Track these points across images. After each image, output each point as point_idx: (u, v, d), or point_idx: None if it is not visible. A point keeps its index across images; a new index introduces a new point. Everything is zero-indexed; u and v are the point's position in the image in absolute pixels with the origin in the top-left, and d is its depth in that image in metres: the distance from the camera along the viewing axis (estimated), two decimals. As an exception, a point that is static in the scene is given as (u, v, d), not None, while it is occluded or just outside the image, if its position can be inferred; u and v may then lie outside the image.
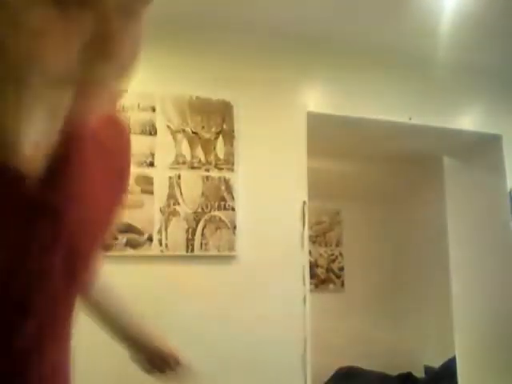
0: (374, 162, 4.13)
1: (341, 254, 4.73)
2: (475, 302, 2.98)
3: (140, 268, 2.08)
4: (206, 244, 2.16)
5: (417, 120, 2.65)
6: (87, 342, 1.96)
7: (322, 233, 4.71)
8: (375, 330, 4.63)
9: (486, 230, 2.93)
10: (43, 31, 0.37)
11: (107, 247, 2.02)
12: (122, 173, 0.62)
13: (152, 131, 2.18)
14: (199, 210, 2.18)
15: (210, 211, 2.20)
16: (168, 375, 1.09)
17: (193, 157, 2.22)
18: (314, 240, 4.58)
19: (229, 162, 2.27)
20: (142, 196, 2.11)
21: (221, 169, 2.25)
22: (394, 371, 4.30)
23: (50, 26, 0.37)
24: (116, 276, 2.19)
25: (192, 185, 2.19)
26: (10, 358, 0.47)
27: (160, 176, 2.15)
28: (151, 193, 2.13)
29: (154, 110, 2.19)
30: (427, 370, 4.04)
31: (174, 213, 2.14)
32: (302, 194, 2.40)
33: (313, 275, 4.43)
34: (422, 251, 4.41)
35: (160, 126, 2.19)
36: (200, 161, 2.23)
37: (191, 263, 2.15)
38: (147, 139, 2.16)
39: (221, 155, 2.26)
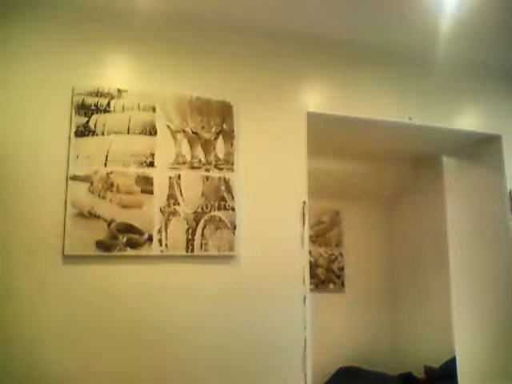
0: (374, 162, 4.13)
1: (341, 254, 4.73)
2: (475, 302, 2.98)
3: (140, 268, 2.08)
4: (205, 244, 2.17)
5: (416, 120, 2.65)
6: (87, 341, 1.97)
7: (322, 233, 4.71)
8: (375, 330, 4.63)
9: (486, 229, 2.93)
10: None
11: (108, 247, 2.02)
12: None
13: (152, 131, 2.18)
14: (199, 210, 2.19)
15: (209, 211, 2.20)
16: None
17: (193, 157, 2.22)
18: (314, 240, 4.58)
19: (229, 162, 2.27)
20: (142, 196, 2.11)
21: (221, 169, 2.25)
22: (394, 371, 4.30)
23: None
24: (116, 276, 2.21)
25: (192, 185, 2.20)
26: None
27: (160, 176, 2.15)
28: (151, 193, 2.13)
29: (154, 109, 2.20)
30: (427, 369, 4.03)
31: (174, 213, 2.15)
32: (302, 194, 2.40)
33: (313, 275, 4.44)
34: (421, 251, 4.40)
35: (160, 126, 2.20)
36: (200, 161, 2.23)
37: (191, 263, 2.15)
38: (147, 139, 2.16)
39: (221, 155, 2.26)
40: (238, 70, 2.39)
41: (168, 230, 2.12)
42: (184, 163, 2.20)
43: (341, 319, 4.56)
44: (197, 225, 2.17)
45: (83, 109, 2.10)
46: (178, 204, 2.16)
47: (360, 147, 3.51)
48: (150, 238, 2.09)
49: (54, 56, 2.11)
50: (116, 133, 2.13)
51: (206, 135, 2.26)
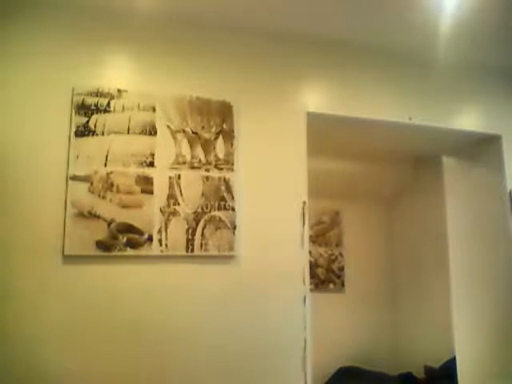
0: (374, 161, 4.13)
1: (341, 254, 4.73)
2: (475, 302, 2.98)
3: (140, 268, 2.08)
4: (205, 244, 2.17)
5: (416, 120, 2.65)
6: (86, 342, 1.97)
7: (322, 233, 4.71)
8: (375, 330, 4.63)
9: (486, 229, 2.93)
10: None
11: (108, 247, 2.02)
12: None
13: (152, 131, 2.18)
14: (199, 210, 2.19)
15: (209, 211, 2.20)
16: None
17: (193, 157, 2.22)
18: (314, 240, 4.58)
19: (229, 162, 2.27)
20: (142, 196, 2.11)
21: (221, 169, 2.25)
22: (394, 371, 4.30)
23: None
24: (116, 276, 2.21)
25: (192, 185, 2.20)
26: None
27: (160, 176, 2.15)
28: (151, 193, 2.13)
29: (154, 109, 2.20)
30: (427, 369, 4.03)
31: (174, 213, 2.15)
32: (302, 194, 2.40)
33: (313, 275, 4.44)
34: (421, 251, 4.40)
35: (160, 125, 2.20)
36: (200, 161, 2.23)
37: (191, 263, 2.15)
38: (147, 139, 2.16)
39: (221, 155, 2.26)
40: (238, 69, 2.39)
41: (168, 230, 2.12)
42: (184, 163, 2.20)
43: (341, 319, 4.56)
44: (197, 225, 2.17)
45: (83, 109, 2.10)
46: (178, 204, 2.16)
47: (360, 147, 3.51)
48: (150, 238, 2.09)
49: (54, 56, 2.11)
50: (116, 133, 2.13)
51: (206, 135, 2.26)
